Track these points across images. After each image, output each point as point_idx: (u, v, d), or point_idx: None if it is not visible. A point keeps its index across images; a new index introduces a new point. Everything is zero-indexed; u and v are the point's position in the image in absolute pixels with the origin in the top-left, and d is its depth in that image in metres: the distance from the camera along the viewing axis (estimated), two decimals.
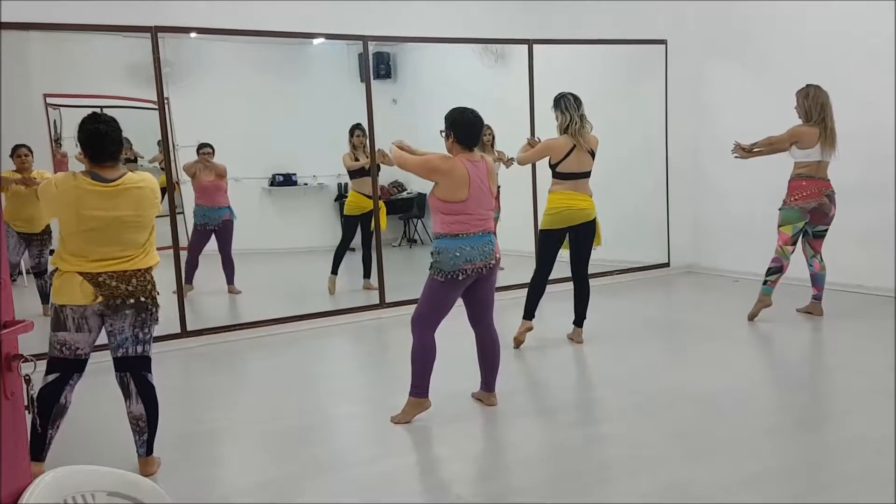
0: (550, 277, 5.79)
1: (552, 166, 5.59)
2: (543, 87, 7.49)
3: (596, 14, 7.99)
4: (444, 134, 4.30)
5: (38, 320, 6.28)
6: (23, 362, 1.76)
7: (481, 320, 4.44)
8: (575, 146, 5.48)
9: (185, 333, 6.24)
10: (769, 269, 6.09)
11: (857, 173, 6.83)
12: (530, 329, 5.76)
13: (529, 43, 7.62)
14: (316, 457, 3.96)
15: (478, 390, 4.62)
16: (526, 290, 5.87)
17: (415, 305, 4.37)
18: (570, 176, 5.53)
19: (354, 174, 7.58)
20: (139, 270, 3.60)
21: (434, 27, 7.32)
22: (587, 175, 5.59)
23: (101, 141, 3.51)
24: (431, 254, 4.24)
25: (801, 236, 6.04)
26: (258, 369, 5.76)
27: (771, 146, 5.95)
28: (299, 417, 4.52)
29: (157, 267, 3.72)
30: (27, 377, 1.83)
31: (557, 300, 6.17)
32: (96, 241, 3.49)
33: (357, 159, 7.53)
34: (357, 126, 7.44)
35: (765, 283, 6.13)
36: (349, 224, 7.75)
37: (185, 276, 7.39)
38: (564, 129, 5.51)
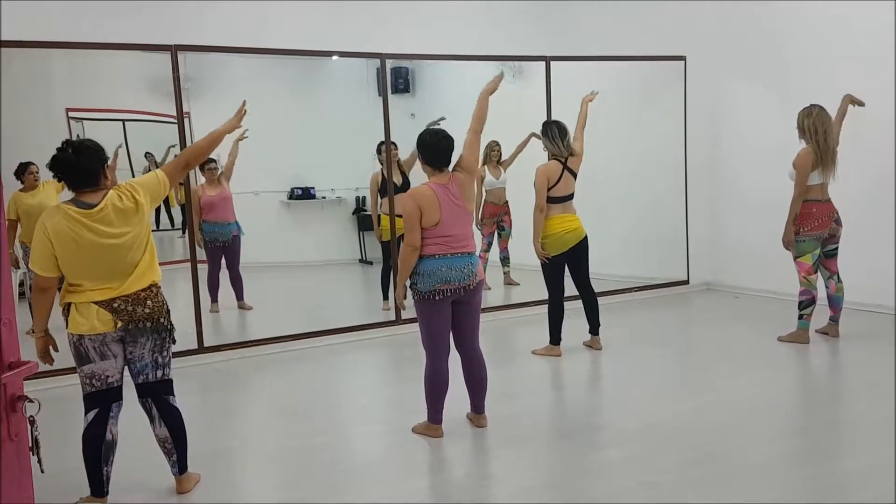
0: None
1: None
2: (561, 104, 7.47)
3: (614, 30, 7.96)
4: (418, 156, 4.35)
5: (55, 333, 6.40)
6: (27, 403, 1.76)
7: (465, 343, 4.42)
8: (564, 170, 5.77)
9: (201, 349, 6.28)
10: (801, 302, 6.01)
11: (878, 191, 6.77)
12: (558, 355, 5.98)
13: (547, 60, 7.61)
14: (332, 477, 3.95)
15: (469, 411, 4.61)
16: (544, 307, 6.09)
17: None
18: (559, 199, 5.80)
19: (384, 193, 7.38)
20: (150, 290, 3.56)
21: (452, 44, 7.31)
22: (572, 197, 5.89)
23: (70, 170, 3.43)
24: (411, 275, 4.26)
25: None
26: (275, 386, 5.78)
27: (800, 196, 5.83)
28: (315, 436, 4.52)
29: (161, 282, 3.67)
30: (31, 418, 1.83)
31: (567, 318, 6.13)
32: (99, 267, 3.44)
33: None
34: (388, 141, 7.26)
35: (800, 317, 6.04)
36: (388, 247, 7.44)
37: (210, 296, 7.45)
38: (553, 156, 5.84)
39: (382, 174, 7.39)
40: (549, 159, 5.92)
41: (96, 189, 3.48)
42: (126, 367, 3.63)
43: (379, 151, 7.42)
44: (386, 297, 7.62)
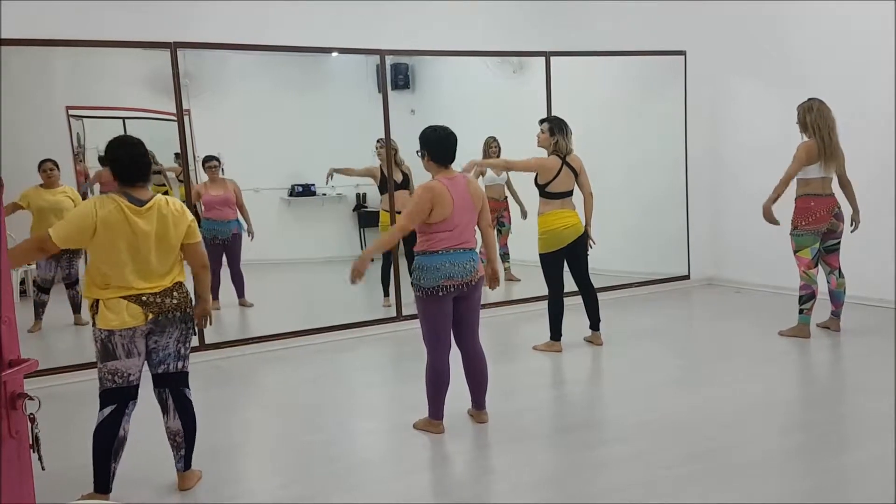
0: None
1: (541, 186, 5.86)
2: (561, 99, 7.47)
3: (614, 25, 7.94)
4: (420, 154, 4.33)
5: (69, 330, 6.44)
6: (27, 400, 1.76)
7: (466, 339, 4.43)
8: (563, 167, 5.79)
9: (203, 346, 6.28)
10: (801, 297, 6.00)
11: (882, 186, 6.76)
12: (559, 351, 6.03)
13: (547, 55, 7.60)
14: (334, 474, 3.96)
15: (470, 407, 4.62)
16: (545, 303, 6.11)
17: None
18: (558, 195, 5.84)
19: (385, 189, 7.51)
20: (176, 283, 3.63)
21: (452, 40, 7.30)
22: (571, 193, 5.91)
23: (132, 164, 3.51)
24: (411, 271, 4.26)
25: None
26: (276, 383, 5.79)
27: (787, 181, 5.84)
28: (317, 433, 4.53)
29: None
30: (31, 416, 1.83)
31: (568, 314, 6.14)
32: (133, 262, 3.47)
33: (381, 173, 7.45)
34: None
35: (801, 311, 6.03)
36: None
37: (211, 293, 7.46)
38: (553, 151, 5.85)
39: (382, 170, 7.39)
40: (548, 154, 5.90)
41: (144, 185, 3.55)
42: (148, 358, 3.64)
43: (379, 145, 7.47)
44: (386, 294, 7.61)
